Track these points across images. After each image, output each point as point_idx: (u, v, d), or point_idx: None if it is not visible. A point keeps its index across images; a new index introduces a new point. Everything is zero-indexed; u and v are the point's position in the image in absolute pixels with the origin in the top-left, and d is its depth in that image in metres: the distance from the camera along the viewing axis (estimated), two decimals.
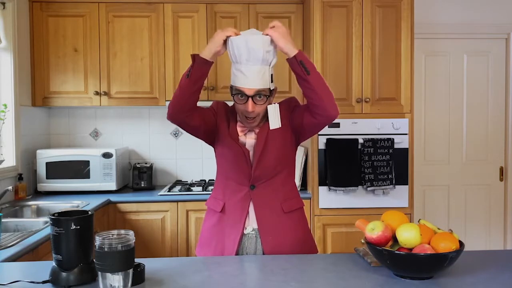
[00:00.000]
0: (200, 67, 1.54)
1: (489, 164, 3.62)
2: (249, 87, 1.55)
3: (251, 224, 1.66)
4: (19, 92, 2.98)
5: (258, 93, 1.57)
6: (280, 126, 1.62)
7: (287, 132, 1.68)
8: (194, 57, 1.54)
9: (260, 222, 1.64)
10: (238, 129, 1.68)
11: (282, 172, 1.69)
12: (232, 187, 1.69)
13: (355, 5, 2.92)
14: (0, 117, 2.81)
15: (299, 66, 1.52)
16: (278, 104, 1.62)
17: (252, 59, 1.54)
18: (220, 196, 1.72)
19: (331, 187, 2.87)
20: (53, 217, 1.22)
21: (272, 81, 1.61)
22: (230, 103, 1.73)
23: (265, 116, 1.66)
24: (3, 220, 2.23)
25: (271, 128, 1.61)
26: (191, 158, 3.58)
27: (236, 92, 1.59)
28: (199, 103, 1.61)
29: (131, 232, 1.16)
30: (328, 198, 2.91)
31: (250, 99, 1.56)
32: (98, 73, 3.18)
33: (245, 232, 1.65)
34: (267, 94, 1.59)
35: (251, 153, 1.66)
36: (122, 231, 1.16)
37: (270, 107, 1.60)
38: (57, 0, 3.15)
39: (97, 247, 1.11)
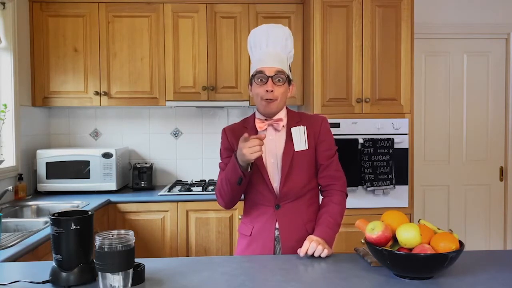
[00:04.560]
0: (249, 175, 1.57)
1: (489, 164, 3.62)
2: (269, 66, 1.60)
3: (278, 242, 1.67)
4: (19, 92, 2.98)
5: (278, 74, 1.59)
6: (307, 148, 1.65)
7: (314, 155, 1.69)
8: (240, 170, 1.53)
9: (284, 241, 1.64)
10: (258, 125, 1.68)
11: (308, 193, 1.69)
12: (257, 209, 1.69)
13: (355, 5, 2.92)
14: (0, 117, 2.81)
15: None
16: (304, 127, 1.65)
17: (271, 44, 1.62)
18: (247, 220, 1.72)
19: None
20: (53, 217, 1.22)
21: (290, 71, 1.67)
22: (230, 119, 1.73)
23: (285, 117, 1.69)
24: (3, 220, 2.24)
25: (296, 149, 1.63)
26: (191, 158, 3.58)
27: (257, 74, 1.61)
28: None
29: (131, 232, 1.16)
30: None
31: (270, 79, 1.59)
32: (98, 73, 3.18)
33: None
34: (285, 79, 1.62)
35: (273, 166, 1.66)
36: (122, 231, 1.16)
37: (294, 130, 1.64)
38: (57, 0, 3.15)
39: (97, 247, 1.11)
